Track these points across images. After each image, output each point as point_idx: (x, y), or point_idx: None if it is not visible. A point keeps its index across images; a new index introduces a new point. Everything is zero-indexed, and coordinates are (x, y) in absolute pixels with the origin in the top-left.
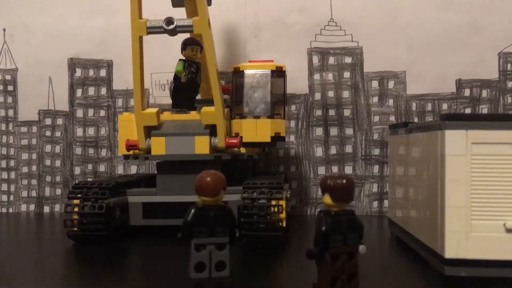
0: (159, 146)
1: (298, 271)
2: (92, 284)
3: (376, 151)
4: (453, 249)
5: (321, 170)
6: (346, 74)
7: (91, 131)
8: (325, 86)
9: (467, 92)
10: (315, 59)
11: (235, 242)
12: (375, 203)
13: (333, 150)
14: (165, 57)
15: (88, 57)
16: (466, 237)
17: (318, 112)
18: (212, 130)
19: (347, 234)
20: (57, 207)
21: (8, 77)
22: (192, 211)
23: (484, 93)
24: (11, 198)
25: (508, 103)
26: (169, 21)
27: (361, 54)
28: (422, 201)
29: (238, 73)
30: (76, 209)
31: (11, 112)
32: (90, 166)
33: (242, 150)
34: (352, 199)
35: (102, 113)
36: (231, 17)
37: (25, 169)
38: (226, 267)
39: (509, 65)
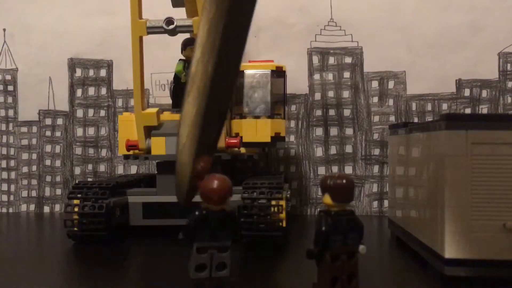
0: (159, 146)
1: (298, 271)
2: (92, 284)
3: (376, 151)
4: (453, 249)
5: (321, 170)
6: (346, 74)
7: (91, 131)
8: (325, 86)
9: (467, 92)
10: (315, 59)
11: (235, 242)
12: (375, 203)
13: (333, 150)
14: (164, 57)
15: (88, 57)
16: (466, 237)
17: (318, 112)
18: None
19: (347, 234)
20: (57, 207)
21: (8, 77)
22: (196, 213)
23: (484, 93)
24: (11, 198)
25: (508, 103)
26: (169, 21)
27: (361, 54)
28: (422, 201)
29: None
30: (76, 209)
31: (11, 112)
32: (90, 166)
33: (242, 150)
34: (352, 199)
35: (102, 113)
36: None
37: (25, 169)
38: (227, 268)
39: (509, 65)
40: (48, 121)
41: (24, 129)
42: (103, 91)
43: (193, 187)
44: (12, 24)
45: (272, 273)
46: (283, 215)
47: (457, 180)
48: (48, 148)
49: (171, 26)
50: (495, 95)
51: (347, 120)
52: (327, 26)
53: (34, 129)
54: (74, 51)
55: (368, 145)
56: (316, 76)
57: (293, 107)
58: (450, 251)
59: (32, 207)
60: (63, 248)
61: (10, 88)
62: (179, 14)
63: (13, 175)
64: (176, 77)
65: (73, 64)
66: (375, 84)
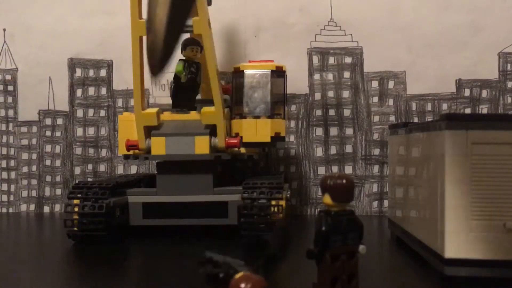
0: (159, 146)
1: (298, 271)
2: (92, 284)
3: (376, 151)
4: (453, 249)
5: (321, 170)
6: (346, 74)
7: (91, 131)
8: (325, 86)
9: (467, 92)
10: (315, 59)
11: None
12: (375, 203)
13: (333, 150)
14: None
15: (88, 57)
16: (466, 237)
17: (318, 112)
18: (212, 130)
19: (347, 234)
20: (57, 207)
21: (8, 77)
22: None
23: (484, 93)
24: (11, 198)
25: (508, 103)
26: None
27: (361, 54)
28: (422, 201)
29: (238, 73)
30: (76, 209)
31: (11, 112)
32: (90, 166)
33: (242, 150)
34: (352, 199)
35: (102, 113)
36: (231, 17)
37: (25, 169)
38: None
39: (509, 65)
40: (48, 121)
41: (24, 129)
42: (103, 91)
43: (165, 56)
44: (12, 24)
45: (272, 273)
46: (283, 215)
47: (457, 180)
48: (48, 148)
49: None
50: (495, 95)
51: (347, 120)
52: (327, 26)
53: (34, 129)
54: (74, 51)
55: (368, 145)
56: (316, 76)
57: (293, 107)
58: (450, 251)
59: (32, 207)
60: (63, 248)
61: (10, 88)
62: None
63: (13, 175)
64: (176, 77)
65: (73, 64)
66: (375, 84)
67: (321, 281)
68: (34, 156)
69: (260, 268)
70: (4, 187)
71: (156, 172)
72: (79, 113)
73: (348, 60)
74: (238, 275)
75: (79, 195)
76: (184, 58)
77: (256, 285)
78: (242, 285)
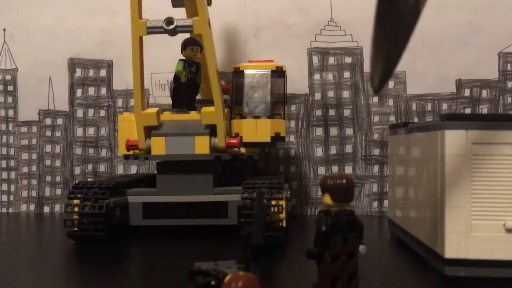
0: (159, 146)
1: (298, 271)
2: (92, 284)
3: (376, 151)
4: (453, 249)
5: (321, 170)
6: (346, 74)
7: (91, 131)
8: (325, 86)
9: (467, 92)
10: (315, 59)
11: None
12: (375, 203)
13: (333, 150)
14: (165, 57)
15: (88, 57)
16: (466, 237)
17: (318, 112)
18: (212, 130)
19: (347, 234)
20: (57, 207)
21: (8, 77)
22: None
23: (484, 93)
24: (11, 198)
25: (508, 103)
26: (169, 21)
27: (361, 54)
28: (422, 201)
29: (238, 73)
30: (76, 209)
31: (11, 112)
32: (90, 166)
33: (242, 150)
34: (352, 199)
35: (102, 113)
36: (231, 17)
37: (25, 169)
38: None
39: (509, 65)
40: (48, 121)
41: (24, 129)
42: (103, 91)
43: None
44: (12, 24)
45: (272, 273)
46: (283, 215)
47: (457, 180)
48: (48, 148)
49: (171, 26)
50: (495, 95)
51: (347, 120)
52: (327, 26)
53: (34, 129)
54: (74, 51)
55: (368, 145)
56: (316, 76)
57: (293, 107)
58: (450, 251)
59: (32, 207)
60: (63, 248)
61: (10, 88)
62: (179, 14)
63: (13, 175)
64: (176, 77)
65: (73, 64)
66: None
67: (321, 281)
68: (34, 156)
69: (251, 264)
70: (4, 187)
71: (156, 172)
72: (79, 113)
73: (348, 60)
74: (227, 278)
75: (79, 195)
76: (184, 58)
77: (246, 282)
78: (233, 285)
